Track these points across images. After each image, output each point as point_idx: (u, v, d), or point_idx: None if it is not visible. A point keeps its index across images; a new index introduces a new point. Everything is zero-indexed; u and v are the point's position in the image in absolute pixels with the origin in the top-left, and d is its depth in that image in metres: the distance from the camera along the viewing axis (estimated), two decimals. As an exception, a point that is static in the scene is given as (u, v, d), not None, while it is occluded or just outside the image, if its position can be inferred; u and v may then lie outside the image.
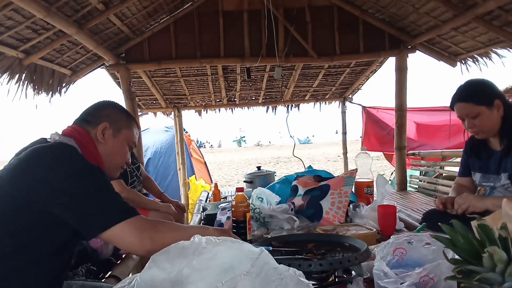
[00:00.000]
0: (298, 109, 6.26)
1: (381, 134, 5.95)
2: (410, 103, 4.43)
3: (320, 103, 6.27)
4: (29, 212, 1.08)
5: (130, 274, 2.68)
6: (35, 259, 1.10)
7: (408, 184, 4.47)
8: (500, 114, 1.77)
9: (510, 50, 3.25)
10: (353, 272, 1.16)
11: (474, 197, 1.74)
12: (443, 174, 4.10)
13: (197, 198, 3.50)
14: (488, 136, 1.84)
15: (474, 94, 1.80)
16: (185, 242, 0.85)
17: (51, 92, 3.39)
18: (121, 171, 1.44)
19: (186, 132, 7.20)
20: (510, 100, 1.86)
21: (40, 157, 1.14)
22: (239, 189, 1.65)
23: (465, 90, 1.85)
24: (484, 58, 3.59)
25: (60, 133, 1.28)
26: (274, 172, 3.14)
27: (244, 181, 3.05)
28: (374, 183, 2.14)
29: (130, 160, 1.45)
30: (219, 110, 6.21)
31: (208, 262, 0.79)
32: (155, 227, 1.15)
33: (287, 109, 6.05)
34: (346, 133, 6.40)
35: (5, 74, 2.77)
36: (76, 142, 1.24)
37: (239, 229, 1.59)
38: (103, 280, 1.83)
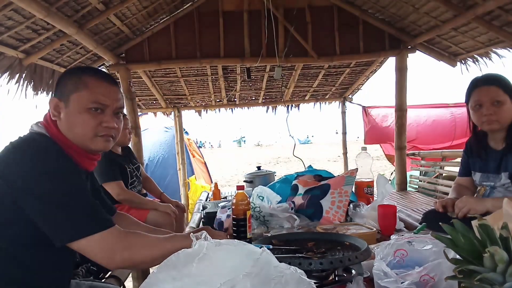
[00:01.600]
0: (298, 109, 6.26)
1: (381, 128, 5.97)
2: (410, 103, 4.44)
3: (320, 103, 6.27)
4: (12, 210, 1.05)
5: (130, 274, 2.68)
6: (30, 257, 1.09)
7: (408, 184, 4.47)
8: None
9: (510, 50, 3.25)
10: (353, 271, 1.16)
11: (474, 199, 1.73)
12: (443, 174, 4.11)
13: (197, 198, 3.50)
14: (499, 129, 1.80)
15: (502, 81, 1.77)
16: (186, 250, 0.84)
17: (51, 92, 3.39)
18: (102, 140, 1.22)
19: (187, 133, 7.20)
20: None
21: (13, 151, 1.10)
22: (240, 187, 1.64)
23: (493, 76, 1.82)
24: (484, 58, 3.59)
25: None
26: (274, 172, 3.14)
27: (244, 181, 3.05)
28: (374, 183, 2.14)
29: (109, 125, 1.21)
30: (219, 110, 6.21)
31: (209, 267, 0.79)
32: (128, 245, 1.08)
33: (287, 109, 6.05)
34: (346, 133, 6.40)
35: (5, 74, 2.77)
36: (45, 129, 1.18)
37: (239, 227, 1.58)
38: (103, 280, 1.83)
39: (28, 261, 1.09)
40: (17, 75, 2.86)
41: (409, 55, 4.07)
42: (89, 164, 1.27)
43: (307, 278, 0.79)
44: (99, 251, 1.05)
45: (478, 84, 1.81)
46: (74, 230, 1.04)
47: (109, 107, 1.22)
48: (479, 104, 1.79)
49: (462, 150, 2.09)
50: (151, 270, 3.13)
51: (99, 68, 3.89)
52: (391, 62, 4.37)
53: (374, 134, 6.07)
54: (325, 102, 6.30)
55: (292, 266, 0.80)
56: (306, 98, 6.10)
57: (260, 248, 0.84)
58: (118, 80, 3.88)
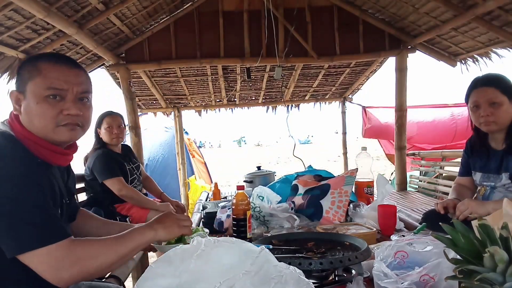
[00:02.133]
0: (298, 109, 6.26)
1: (380, 124, 5.98)
2: (410, 103, 4.44)
3: (320, 103, 6.27)
4: None
5: (130, 274, 2.68)
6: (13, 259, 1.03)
7: (408, 184, 4.48)
8: None
9: (510, 50, 3.25)
10: (353, 271, 1.16)
11: (475, 202, 1.73)
12: (443, 174, 4.11)
13: (197, 198, 3.50)
14: (497, 130, 1.80)
15: (501, 82, 1.77)
16: (184, 246, 0.84)
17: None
18: (66, 130, 1.12)
19: (187, 133, 7.19)
20: None
21: None
22: (240, 187, 1.64)
23: (492, 77, 1.82)
24: (484, 58, 3.60)
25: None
26: (274, 172, 3.14)
27: (244, 181, 3.05)
28: (374, 183, 2.14)
29: (70, 112, 1.11)
30: (219, 110, 6.21)
31: (207, 264, 0.79)
32: (75, 259, 0.97)
33: (287, 109, 6.05)
34: (346, 133, 6.40)
35: (5, 74, 2.77)
36: (10, 127, 1.10)
37: (239, 227, 1.59)
38: (103, 280, 1.83)
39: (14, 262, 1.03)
40: (17, 75, 2.86)
41: (409, 55, 4.07)
42: (62, 160, 1.18)
43: (305, 278, 0.79)
44: (45, 268, 0.95)
45: (476, 85, 1.81)
46: (17, 242, 0.94)
47: (69, 92, 1.10)
48: (476, 105, 1.79)
49: (462, 150, 2.09)
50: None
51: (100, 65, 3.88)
52: (391, 62, 4.39)
53: (373, 128, 6.07)
54: (325, 102, 6.30)
55: (291, 266, 0.80)
56: (306, 98, 6.10)
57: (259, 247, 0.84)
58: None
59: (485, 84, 1.79)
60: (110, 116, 2.85)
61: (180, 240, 1.26)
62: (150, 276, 0.80)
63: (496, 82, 1.77)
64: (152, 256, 3.64)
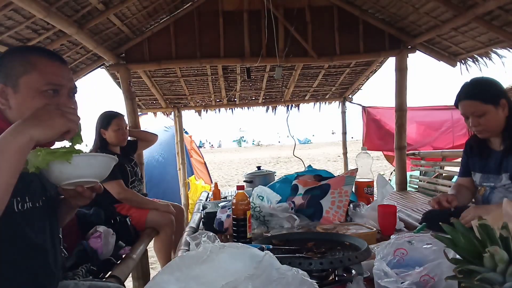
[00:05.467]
0: (298, 109, 6.26)
1: (381, 133, 5.96)
2: (410, 103, 4.44)
3: (320, 103, 6.26)
4: None
5: (130, 274, 2.68)
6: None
7: (408, 184, 4.48)
8: (504, 113, 1.76)
9: (510, 50, 3.25)
10: (353, 271, 1.16)
11: (480, 209, 1.74)
12: (443, 174, 4.11)
13: (197, 198, 3.50)
14: (492, 136, 1.83)
15: (482, 92, 1.78)
16: (190, 253, 0.85)
17: None
18: None
19: (187, 133, 7.19)
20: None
21: None
22: (240, 187, 1.64)
23: (473, 87, 1.82)
24: (484, 58, 3.60)
25: None
26: (274, 172, 3.14)
27: (244, 181, 3.05)
28: (374, 183, 2.14)
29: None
30: (219, 110, 6.21)
31: (212, 269, 0.80)
32: None
33: (287, 109, 6.05)
34: (346, 133, 6.40)
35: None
36: None
37: (239, 227, 1.58)
38: (103, 280, 1.83)
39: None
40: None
41: (409, 55, 4.07)
42: None
43: (309, 279, 0.79)
44: None
45: (461, 98, 1.83)
46: None
47: (64, 87, 1.11)
48: (465, 116, 1.84)
49: (462, 150, 2.10)
50: (151, 271, 3.13)
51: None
52: (391, 62, 4.38)
53: (372, 141, 6.05)
54: (325, 102, 6.30)
55: (294, 268, 0.81)
56: (306, 98, 6.10)
57: (259, 248, 0.84)
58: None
59: (467, 97, 1.80)
60: (119, 118, 2.88)
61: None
62: (158, 282, 0.81)
63: (478, 94, 1.77)
64: (152, 256, 3.64)
